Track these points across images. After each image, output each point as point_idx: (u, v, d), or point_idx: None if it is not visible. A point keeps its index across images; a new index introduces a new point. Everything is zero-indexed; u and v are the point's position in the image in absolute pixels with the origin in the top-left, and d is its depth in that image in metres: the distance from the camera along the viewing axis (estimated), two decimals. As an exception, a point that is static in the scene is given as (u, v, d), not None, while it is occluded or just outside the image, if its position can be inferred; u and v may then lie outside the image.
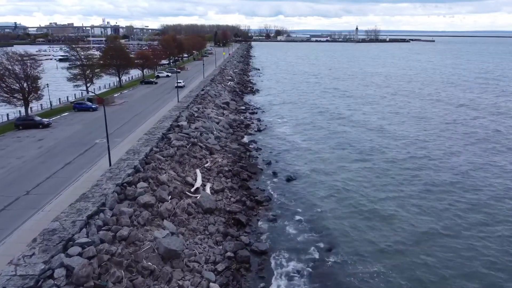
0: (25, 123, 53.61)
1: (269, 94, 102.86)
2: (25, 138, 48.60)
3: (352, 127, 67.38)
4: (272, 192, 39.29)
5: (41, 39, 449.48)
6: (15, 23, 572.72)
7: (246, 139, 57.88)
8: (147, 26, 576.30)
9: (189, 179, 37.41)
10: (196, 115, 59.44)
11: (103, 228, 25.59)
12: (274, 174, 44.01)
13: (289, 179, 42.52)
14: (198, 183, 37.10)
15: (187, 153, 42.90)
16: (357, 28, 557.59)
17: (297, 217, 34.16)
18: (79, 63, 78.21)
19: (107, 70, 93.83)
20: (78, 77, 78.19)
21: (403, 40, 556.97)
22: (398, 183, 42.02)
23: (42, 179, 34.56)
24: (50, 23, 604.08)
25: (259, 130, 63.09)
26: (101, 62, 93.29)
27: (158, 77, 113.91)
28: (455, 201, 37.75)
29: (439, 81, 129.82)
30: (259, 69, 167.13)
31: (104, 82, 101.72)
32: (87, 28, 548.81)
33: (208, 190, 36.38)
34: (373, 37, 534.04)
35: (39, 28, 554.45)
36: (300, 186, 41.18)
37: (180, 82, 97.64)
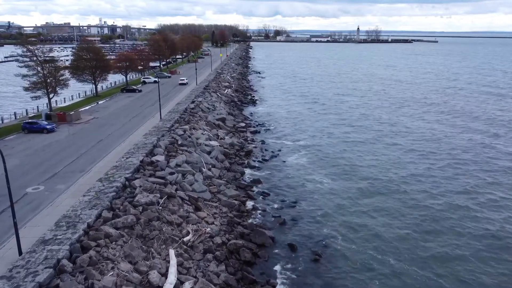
0: None
1: (273, 104, 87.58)
2: None
3: (388, 147, 52.36)
4: (292, 291, 24.10)
5: (33, 39, 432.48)
6: (9, 22, 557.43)
7: (247, 175, 42.68)
8: (145, 26, 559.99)
9: (154, 276, 22.10)
10: (180, 141, 44.14)
11: None
12: (292, 247, 28.70)
13: (316, 259, 27.27)
14: (169, 283, 21.90)
15: (158, 217, 27.65)
16: (358, 28, 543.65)
17: None
18: (39, 68, 62.51)
19: (80, 76, 78.64)
20: (39, 85, 62.59)
21: (406, 41, 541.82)
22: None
23: None
24: (47, 23, 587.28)
25: (264, 160, 47.84)
26: (72, 65, 78.35)
27: (144, 83, 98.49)
28: None
29: None
30: (259, 73, 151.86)
31: (78, 90, 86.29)
32: (83, 27, 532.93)
33: (185, 298, 21.20)
34: (374, 38, 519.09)
35: (35, 27, 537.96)
36: (336, 273, 25.96)
37: (184, 80, 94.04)
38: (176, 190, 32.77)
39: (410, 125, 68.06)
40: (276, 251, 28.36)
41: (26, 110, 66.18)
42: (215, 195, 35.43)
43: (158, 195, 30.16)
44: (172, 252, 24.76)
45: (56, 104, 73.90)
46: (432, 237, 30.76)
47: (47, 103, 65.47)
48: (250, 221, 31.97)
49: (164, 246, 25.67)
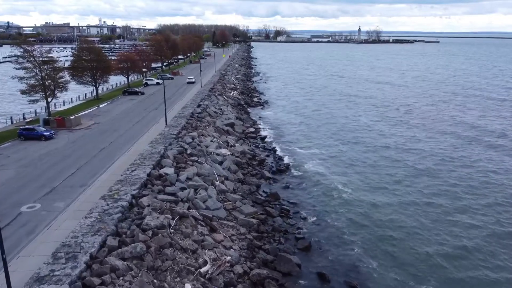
0: None
1: (279, 107, 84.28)
2: None
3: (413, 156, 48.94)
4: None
5: (32, 39, 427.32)
6: (8, 22, 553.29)
7: (263, 188, 39.19)
8: (144, 26, 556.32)
9: (169, 321, 18.69)
10: (189, 151, 40.68)
11: None
12: (322, 277, 25.23)
13: (352, 292, 23.86)
14: (188, 330, 18.46)
15: (170, 242, 24.17)
16: (359, 28, 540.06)
17: None
18: (36, 70, 58.89)
19: (80, 77, 75.13)
20: (36, 88, 59.05)
21: (407, 41, 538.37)
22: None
23: None
24: (46, 23, 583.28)
25: (279, 171, 44.38)
26: (72, 66, 74.95)
27: (146, 84, 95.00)
28: None
29: None
30: (263, 74, 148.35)
31: (78, 93, 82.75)
32: (83, 27, 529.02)
33: None
34: (375, 38, 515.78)
35: (35, 28, 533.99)
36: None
37: (192, 78, 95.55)
38: (189, 208, 29.32)
39: (432, 130, 64.63)
40: (304, 282, 24.84)
41: (23, 115, 62.63)
42: (230, 213, 31.98)
43: (170, 216, 26.66)
44: (188, 287, 21.31)
45: (55, 107, 70.45)
46: (474, 254, 27.38)
47: (45, 107, 61.99)
48: (272, 244, 28.45)
49: (178, 279, 22.19)
